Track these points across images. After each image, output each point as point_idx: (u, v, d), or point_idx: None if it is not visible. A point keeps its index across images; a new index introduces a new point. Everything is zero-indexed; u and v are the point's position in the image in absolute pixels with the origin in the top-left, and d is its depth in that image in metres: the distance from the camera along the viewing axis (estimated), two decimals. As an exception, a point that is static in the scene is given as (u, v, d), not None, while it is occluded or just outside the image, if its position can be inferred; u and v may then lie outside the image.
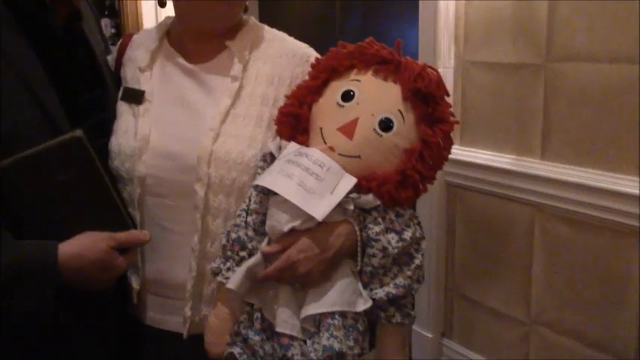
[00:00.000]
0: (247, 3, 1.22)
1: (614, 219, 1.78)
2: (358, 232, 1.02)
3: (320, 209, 0.97)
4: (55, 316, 1.08)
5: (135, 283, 1.21)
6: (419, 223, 1.08)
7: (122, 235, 1.09)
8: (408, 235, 1.04)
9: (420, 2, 2.38)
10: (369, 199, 1.02)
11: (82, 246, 1.04)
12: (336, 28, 3.31)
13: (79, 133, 1.04)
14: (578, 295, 1.93)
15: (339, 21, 3.31)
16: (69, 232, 1.05)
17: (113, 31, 3.37)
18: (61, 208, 1.06)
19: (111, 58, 1.30)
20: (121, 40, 1.31)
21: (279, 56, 1.20)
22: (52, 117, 1.07)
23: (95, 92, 1.21)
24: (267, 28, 1.25)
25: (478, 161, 2.19)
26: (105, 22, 3.29)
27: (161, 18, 1.33)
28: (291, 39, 1.25)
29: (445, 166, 1.11)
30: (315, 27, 3.45)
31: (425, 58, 2.30)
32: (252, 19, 1.25)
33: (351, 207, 1.01)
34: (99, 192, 1.08)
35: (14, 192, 1.03)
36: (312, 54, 1.21)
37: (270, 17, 3.44)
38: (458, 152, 2.22)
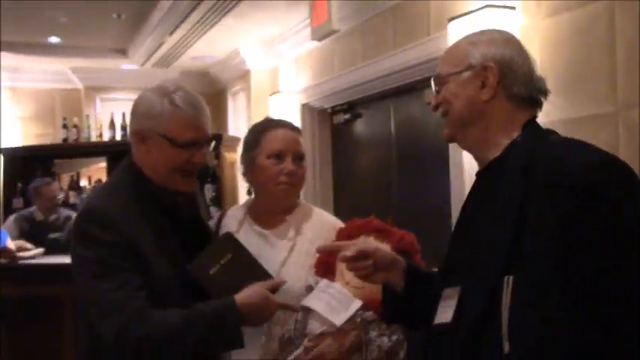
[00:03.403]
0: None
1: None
2: (363, 336, 1.63)
3: (338, 320, 1.61)
4: None
5: None
6: (403, 332, 1.69)
7: (271, 282, 1.67)
8: (394, 338, 1.64)
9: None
10: (370, 314, 1.64)
11: (250, 294, 1.59)
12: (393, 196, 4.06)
13: (229, 233, 1.76)
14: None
15: (395, 190, 4.07)
16: (236, 291, 1.62)
17: (214, 194, 4.33)
18: (230, 277, 1.67)
19: (212, 225, 2.02)
20: (219, 214, 2.06)
21: (321, 225, 1.90)
22: (181, 272, 1.70)
23: None
24: (313, 207, 1.97)
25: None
26: (208, 187, 4.29)
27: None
28: (328, 214, 1.97)
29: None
30: (374, 195, 4.24)
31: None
32: (304, 202, 1.98)
33: (358, 319, 1.64)
34: (250, 263, 1.71)
35: (204, 276, 1.68)
36: (340, 224, 1.90)
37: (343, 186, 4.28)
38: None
